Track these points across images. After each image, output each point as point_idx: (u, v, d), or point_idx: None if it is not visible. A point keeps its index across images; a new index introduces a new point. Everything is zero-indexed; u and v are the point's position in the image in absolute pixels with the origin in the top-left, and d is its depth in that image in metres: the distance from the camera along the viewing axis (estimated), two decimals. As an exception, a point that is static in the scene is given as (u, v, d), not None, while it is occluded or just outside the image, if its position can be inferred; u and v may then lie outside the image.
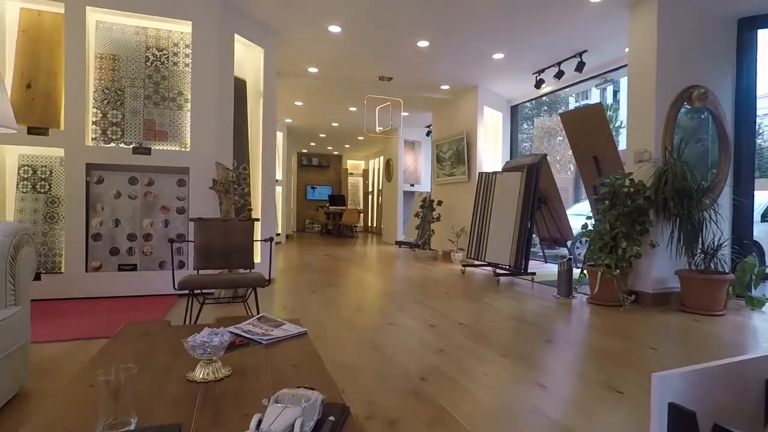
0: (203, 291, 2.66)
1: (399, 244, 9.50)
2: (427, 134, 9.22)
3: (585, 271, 4.05)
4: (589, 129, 4.80)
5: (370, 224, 14.41)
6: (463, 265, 5.73)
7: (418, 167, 10.54)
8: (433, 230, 7.68)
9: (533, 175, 4.97)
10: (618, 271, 3.70)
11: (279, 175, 9.80)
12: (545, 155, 5.05)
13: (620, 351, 2.55)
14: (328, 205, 13.38)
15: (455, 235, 6.84)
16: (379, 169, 12.61)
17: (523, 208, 5.04)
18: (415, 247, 8.23)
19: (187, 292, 2.45)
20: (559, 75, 5.55)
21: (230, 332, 1.30)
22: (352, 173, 14.93)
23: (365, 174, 14.85)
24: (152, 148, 3.93)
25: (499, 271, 5.43)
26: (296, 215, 14.31)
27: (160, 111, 4.01)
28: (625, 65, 5.27)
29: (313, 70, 6.11)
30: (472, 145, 6.87)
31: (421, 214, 7.60)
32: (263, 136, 4.72)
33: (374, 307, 3.63)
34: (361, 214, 13.20)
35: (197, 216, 3.78)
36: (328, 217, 12.78)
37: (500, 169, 6.48)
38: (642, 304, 3.83)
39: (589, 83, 6.02)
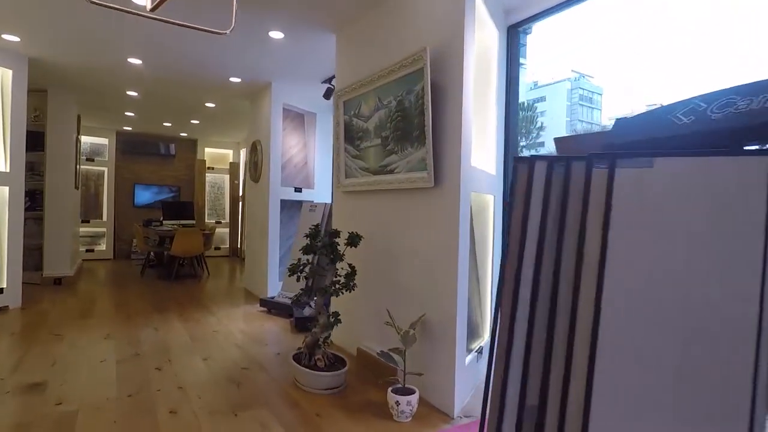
0: None
1: (268, 307, 4.81)
2: (326, 95, 4.72)
3: None
4: None
5: (240, 248, 9.45)
6: None
7: (309, 158, 5.99)
8: (333, 315, 3.21)
9: None
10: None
11: (3, 166, 4.55)
12: None
13: None
14: (161, 219, 8.14)
15: (397, 332, 2.45)
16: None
17: None
18: (297, 321, 3.73)
19: None
20: None
21: None
22: (212, 168, 9.78)
23: (234, 169, 9.83)
24: None
25: None
26: (114, 233, 8.82)
27: None
28: None
29: None
30: (445, 90, 2.54)
31: (310, 265, 3.02)
32: None
33: None
34: (212, 236, 8.09)
35: None
36: (161, 242, 7.54)
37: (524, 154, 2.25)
38: None
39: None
